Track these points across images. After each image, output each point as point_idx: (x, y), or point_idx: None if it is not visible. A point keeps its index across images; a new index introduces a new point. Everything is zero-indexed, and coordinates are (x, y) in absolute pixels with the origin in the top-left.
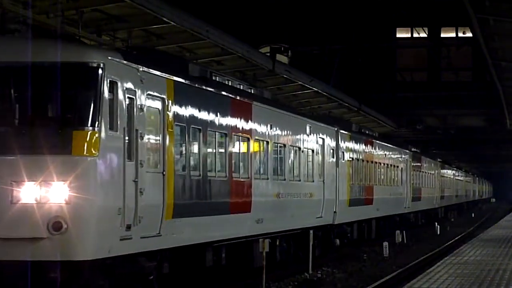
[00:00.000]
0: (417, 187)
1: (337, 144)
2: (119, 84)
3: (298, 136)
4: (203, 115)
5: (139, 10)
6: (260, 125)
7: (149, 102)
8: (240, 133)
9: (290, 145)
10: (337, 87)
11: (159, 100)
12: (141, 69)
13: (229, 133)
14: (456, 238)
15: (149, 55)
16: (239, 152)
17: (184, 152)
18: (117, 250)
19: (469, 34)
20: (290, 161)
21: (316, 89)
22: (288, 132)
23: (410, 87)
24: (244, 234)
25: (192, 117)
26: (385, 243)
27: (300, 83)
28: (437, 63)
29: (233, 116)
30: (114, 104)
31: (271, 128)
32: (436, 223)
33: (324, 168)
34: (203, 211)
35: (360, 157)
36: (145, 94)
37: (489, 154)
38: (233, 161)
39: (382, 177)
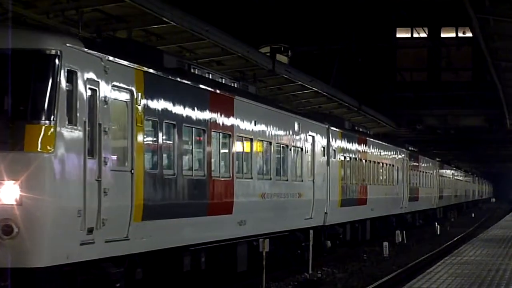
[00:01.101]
0: (415, 187)
1: (328, 142)
2: (79, 74)
3: (285, 134)
4: (178, 110)
5: (139, 10)
6: (243, 121)
7: (115, 94)
8: (220, 129)
9: (277, 143)
10: (337, 87)
11: (126, 92)
12: (105, 58)
13: (208, 129)
14: (456, 238)
15: (118, 44)
16: (219, 150)
17: (156, 149)
18: (77, 256)
19: (469, 34)
20: (276, 159)
21: (316, 89)
22: (275, 129)
23: (410, 87)
24: (226, 237)
25: (165, 112)
26: (385, 243)
27: (300, 83)
28: (437, 63)
29: (212, 111)
30: (73, 95)
31: (255, 125)
32: (436, 223)
33: (314, 167)
34: (178, 213)
35: (353, 156)
36: (110, 86)
37: (489, 154)
38: (212, 159)
39: (377, 176)
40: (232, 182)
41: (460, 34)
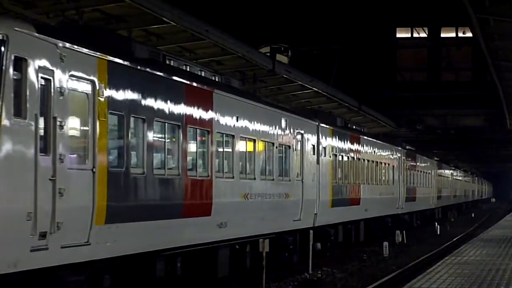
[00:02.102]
0: (412, 186)
1: (318, 139)
2: (29, 61)
3: (271, 130)
4: (149, 103)
5: (139, 10)
6: (224, 116)
7: (73, 84)
8: (197, 125)
9: (262, 140)
10: (337, 87)
11: (87, 83)
12: (61, 44)
13: (183, 124)
14: (456, 238)
15: (81, 31)
16: (196, 147)
17: (122, 145)
18: (27, 264)
19: (469, 34)
20: (261, 157)
21: (316, 89)
22: (260, 125)
23: (410, 87)
24: (204, 240)
25: (133, 105)
26: (385, 243)
27: (300, 83)
28: (437, 63)
29: (188, 105)
30: (22, 85)
31: (238, 121)
32: (436, 223)
33: (303, 166)
34: (148, 215)
35: (345, 154)
36: (67, 75)
37: (489, 154)
38: (188, 157)
39: (371, 175)
40: (210, 181)
41: (460, 34)
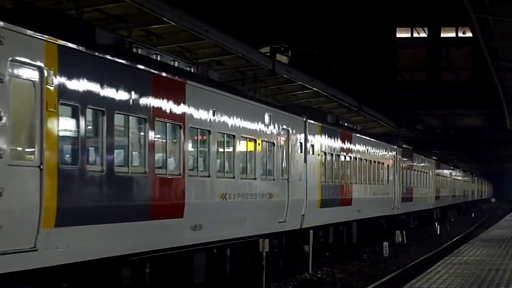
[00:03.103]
0: (408, 186)
1: (306, 136)
2: None
3: (253, 126)
4: (109, 93)
5: (139, 10)
6: (198, 110)
7: (15, 70)
8: (166, 118)
9: (242, 136)
10: (337, 87)
11: (33, 69)
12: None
13: (150, 117)
14: (456, 238)
15: (31, 13)
16: (165, 142)
17: (76, 140)
18: None
19: (469, 34)
20: (241, 155)
21: (316, 89)
22: (240, 120)
23: (410, 87)
24: (176, 244)
25: (90, 95)
26: (385, 243)
27: (300, 83)
28: (437, 63)
29: (156, 96)
30: None
31: (214, 115)
32: (436, 223)
33: (289, 164)
34: (109, 217)
35: (336, 152)
36: (7, 60)
37: (489, 154)
38: (155, 154)
39: (364, 175)
40: (183, 180)
41: (460, 34)
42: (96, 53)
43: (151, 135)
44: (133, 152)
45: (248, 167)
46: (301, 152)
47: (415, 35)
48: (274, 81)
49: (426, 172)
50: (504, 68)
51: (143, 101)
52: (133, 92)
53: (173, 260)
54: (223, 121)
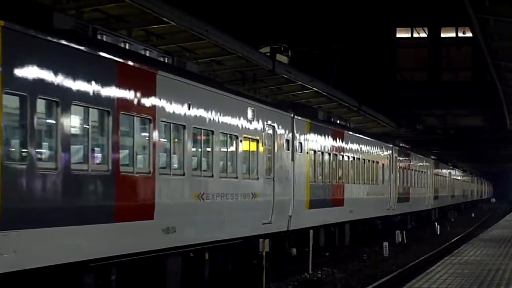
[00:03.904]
0: (405, 186)
1: (293, 133)
2: None
3: (234, 121)
4: (65, 83)
5: (139, 10)
6: (171, 103)
7: None
8: (134, 111)
9: (222, 132)
10: (337, 87)
11: None
12: None
13: (115, 110)
14: (456, 238)
15: None
16: (132, 138)
17: (24, 134)
18: None
19: (469, 34)
20: (221, 152)
21: (316, 89)
22: (219, 115)
23: (410, 87)
24: (146, 248)
25: (41, 84)
26: (385, 243)
27: (300, 83)
28: (437, 63)
29: (121, 87)
30: None
31: (190, 108)
32: (436, 223)
33: (275, 163)
34: (64, 220)
35: (326, 150)
36: None
37: (489, 154)
38: (121, 150)
39: (357, 174)
40: (153, 179)
41: (460, 34)
42: (49, 38)
43: (115, 129)
44: (94, 148)
45: (229, 165)
46: (288, 150)
47: (415, 35)
48: (274, 81)
49: (424, 172)
50: (504, 68)
51: (106, 91)
52: (93, 82)
53: (144, 265)
54: (200, 116)
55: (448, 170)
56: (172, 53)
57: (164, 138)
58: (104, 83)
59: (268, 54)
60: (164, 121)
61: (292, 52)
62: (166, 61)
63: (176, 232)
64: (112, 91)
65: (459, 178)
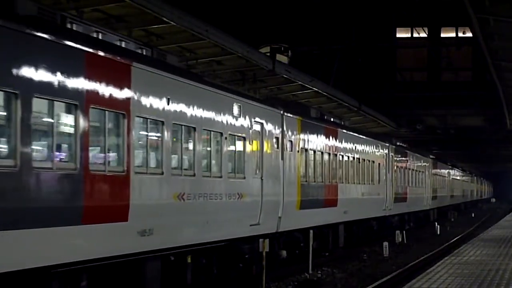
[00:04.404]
0: (402, 186)
1: (283, 131)
2: None
3: (219, 118)
4: (24, 73)
5: (139, 10)
6: (148, 97)
7: None
8: (105, 106)
9: (205, 129)
10: (337, 87)
11: None
12: None
13: (83, 103)
14: (456, 238)
15: None
16: (103, 134)
17: None
18: None
19: (469, 34)
20: (204, 150)
21: (316, 89)
22: (202, 110)
23: (410, 87)
24: (120, 251)
25: None
26: (385, 243)
27: (300, 83)
28: (437, 63)
29: (91, 79)
30: None
31: (169, 103)
32: (436, 223)
33: (263, 162)
34: (25, 222)
35: (318, 149)
36: None
37: (489, 154)
38: (91, 147)
39: (351, 174)
40: (127, 178)
41: (460, 34)
42: (8, 24)
43: (84, 124)
44: (61, 144)
45: (213, 163)
46: (277, 148)
47: (415, 35)
48: (274, 81)
49: (422, 172)
50: (504, 68)
51: (73, 83)
52: (59, 73)
53: (119, 270)
54: (181, 111)
55: (447, 170)
56: (151, 45)
57: (140, 135)
58: (71, 74)
59: (268, 54)
60: (140, 116)
61: (292, 52)
62: (144, 53)
63: (154, 234)
64: (80, 83)
65: (458, 178)
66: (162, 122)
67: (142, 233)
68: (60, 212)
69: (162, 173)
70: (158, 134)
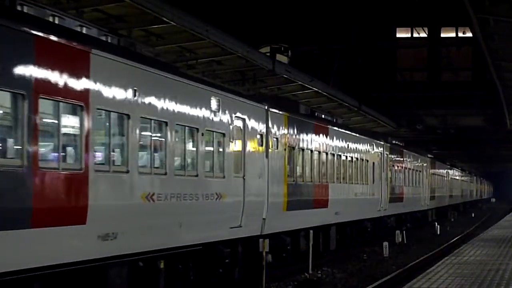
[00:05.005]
0: (398, 185)
1: (268, 127)
2: None
3: (195, 112)
4: None
5: (139, 10)
6: (111, 87)
7: None
8: (58, 96)
9: (178, 124)
10: (337, 87)
11: None
12: None
13: (32, 93)
14: (456, 238)
15: None
16: (56, 127)
17: None
18: None
19: (469, 34)
20: (177, 147)
21: (316, 89)
22: (175, 104)
23: (410, 87)
24: (77, 257)
25: None
26: (385, 243)
27: (300, 83)
28: (437, 63)
29: (41, 66)
30: None
31: (136, 95)
32: (436, 223)
33: (245, 160)
34: None
35: (307, 147)
36: None
37: (489, 154)
38: (41, 141)
39: (343, 173)
40: (85, 177)
41: (460, 34)
42: None
43: (33, 116)
44: (6, 138)
45: (188, 161)
46: (261, 145)
47: (415, 35)
48: (274, 81)
49: (420, 171)
50: (504, 68)
51: (19, 71)
52: (2, 58)
53: (79, 277)
54: (150, 104)
55: (446, 170)
56: (118, 32)
57: (102, 129)
58: (18, 60)
59: (268, 54)
60: (101, 109)
61: (292, 52)
62: (109, 41)
63: (118, 238)
64: (28, 71)
65: (457, 177)
66: (128, 116)
67: (104, 237)
68: (4, 214)
69: (128, 172)
70: (123, 129)
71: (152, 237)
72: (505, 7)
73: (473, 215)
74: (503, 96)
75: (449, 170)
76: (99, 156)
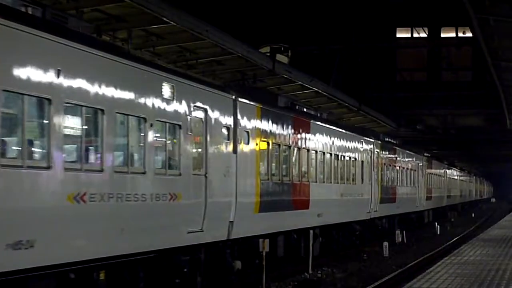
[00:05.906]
0: (390, 185)
1: (236, 120)
2: None
3: (141, 100)
4: None
5: (139, 10)
6: (25, 66)
7: None
8: None
9: (119, 112)
10: (337, 87)
11: None
12: None
13: None
14: (456, 238)
15: None
16: None
17: None
18: None
19: (469, 34)
20: (117, 138)
21: (316, 89)
22: (114, 89)
23: (410, 87)
24: None
25: None
26: (385, 243)
27: (300, 83)
28: (437, 63)
29: None
30: None
31: (59, 77)
32: (436, 223)
33: (207, 155)
34: None
35: (285, 143)
36: None
37: (489, 154)
38: None
39: (327, 172)
40: None
41: (460, 34)
42: None
43: None
44: None
45: (134, 156)
46: (228, 139)
47: (415, 35)
48: (274, 81)
49: (415, 170)
50: (504, 68)
51: None
52: None
53: None
54: (80, 88)
55: (444, 169)
56: (45, 4)
57: (13, 115)
58: None
59: (268, 54)
60: (9, 91)
61: (292, 52)
62: (30, 12)
63: (35, 247)
64: None
65: (456, 177)
66: (49, 100)
67: (15, 246)
68: None
69: (49, 168)
70: (43, 116)
71: (82, 245)
72: (505, 7)
73: (473, 215)
74: (503, 96)
75: (447, 170)
76: (10, 148)
